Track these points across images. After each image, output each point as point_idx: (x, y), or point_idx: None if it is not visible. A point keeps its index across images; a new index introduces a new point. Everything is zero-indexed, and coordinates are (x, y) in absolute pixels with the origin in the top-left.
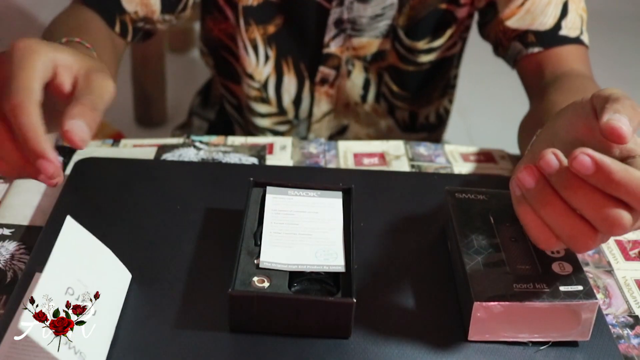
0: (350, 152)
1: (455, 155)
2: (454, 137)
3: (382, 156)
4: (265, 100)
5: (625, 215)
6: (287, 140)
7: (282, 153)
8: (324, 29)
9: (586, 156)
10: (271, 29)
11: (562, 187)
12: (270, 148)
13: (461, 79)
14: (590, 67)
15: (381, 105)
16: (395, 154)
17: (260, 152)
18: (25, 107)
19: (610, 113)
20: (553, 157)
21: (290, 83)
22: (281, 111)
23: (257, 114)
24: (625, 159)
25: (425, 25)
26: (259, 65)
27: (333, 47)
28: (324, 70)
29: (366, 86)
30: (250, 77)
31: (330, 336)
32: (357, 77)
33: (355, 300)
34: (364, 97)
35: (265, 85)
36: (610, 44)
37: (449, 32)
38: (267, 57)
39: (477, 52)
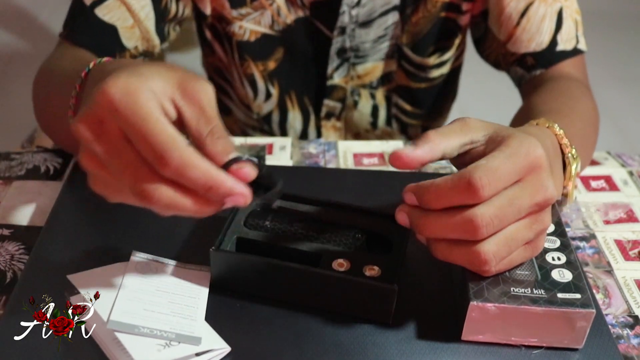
0: (350, 152)
1: None
2: None
3: (381, 156)
4: (267, 133)
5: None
6: (287, 141)
7: (282, 153)
8: (326, 59)
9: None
10: (271, 64)
11: (415, 225)
12: (269, 148)
13: (461, 78)
14: (585, 72)
15: (393, 127)
16: None
17: (260, 152)
18: (187, 161)
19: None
20: (402, 215)
21: (295, 119)
22: None
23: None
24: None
25: (430, 38)
26: (258, 99)
27: (337, 79)
28: (329, 103)
29: (374, 113)
30: (248, 107)
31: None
32: (364, 107)
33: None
34: (373, 124)
35: (267, 119)
36: (611, 43)
37: (456, 42)
38: (268, 94)
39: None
